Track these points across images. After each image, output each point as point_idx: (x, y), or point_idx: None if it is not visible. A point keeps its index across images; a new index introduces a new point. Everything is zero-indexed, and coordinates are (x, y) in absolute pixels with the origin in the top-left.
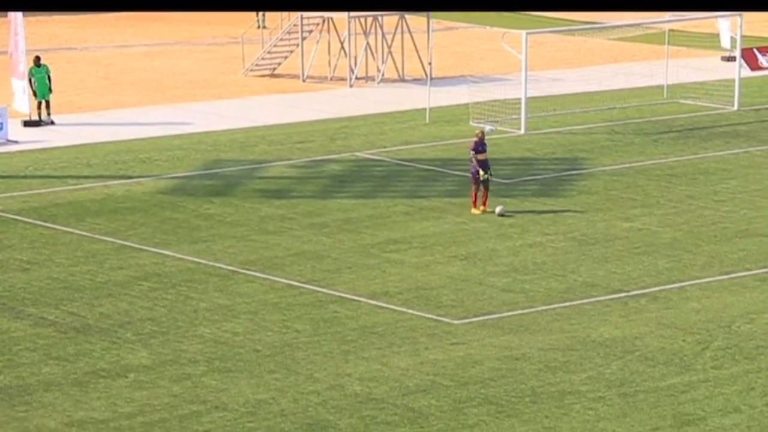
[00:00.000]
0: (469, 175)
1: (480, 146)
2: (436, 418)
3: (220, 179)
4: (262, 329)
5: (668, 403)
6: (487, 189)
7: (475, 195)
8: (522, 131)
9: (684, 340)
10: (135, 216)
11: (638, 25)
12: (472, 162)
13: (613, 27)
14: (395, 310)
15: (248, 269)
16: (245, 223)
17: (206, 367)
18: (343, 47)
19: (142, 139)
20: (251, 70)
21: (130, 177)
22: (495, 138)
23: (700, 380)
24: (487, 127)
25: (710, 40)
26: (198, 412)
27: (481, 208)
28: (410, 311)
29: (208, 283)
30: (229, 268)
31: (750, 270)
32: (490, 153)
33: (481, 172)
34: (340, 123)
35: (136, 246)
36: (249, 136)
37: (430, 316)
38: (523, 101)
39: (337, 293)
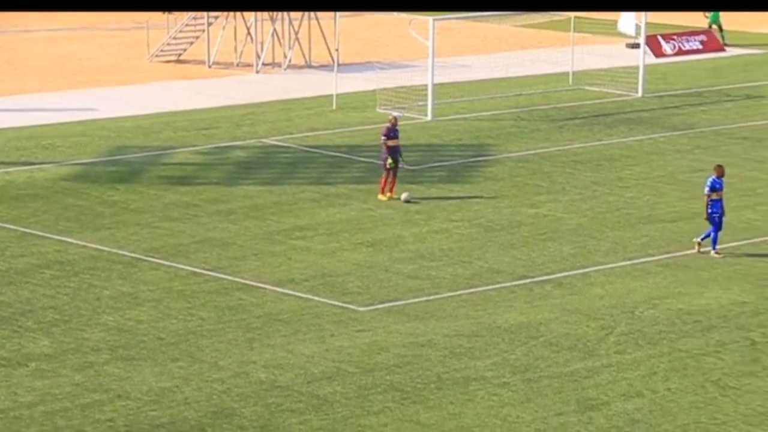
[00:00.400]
0: (380, 161)
1: (392, 132)
2: (342, 405)
3: (124, 166)
4: (166, 317)
5: (572, 389)
6: (394, 176)
7: (385, 181)
8: (429, 118)
9: (588, 326)
10: (37, 203)
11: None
12: (382, 148)
13: (519, 13)
14: (301, 297)
15: (152, 256)
16: (149, 210)
17: (109, 356)
18: (249, 33)
19: (45, 125)
20: (156, 56)
21: (32, 163)
22: (402, 124)
23: (603, 365)
24: (394, 114)
25: (615, 27)
26: (100, 401)
27: (388, 194)
28: (316, 298)
29: (112, 271)
30: (133, 255)
31: (653, 256)
32: (400, 140)
33: (389, 160)
34: (246, 109)
35: (39, 233)
36: (154, 122)
37: (335, 303)
38: (430, 88)
39: (243, 280)
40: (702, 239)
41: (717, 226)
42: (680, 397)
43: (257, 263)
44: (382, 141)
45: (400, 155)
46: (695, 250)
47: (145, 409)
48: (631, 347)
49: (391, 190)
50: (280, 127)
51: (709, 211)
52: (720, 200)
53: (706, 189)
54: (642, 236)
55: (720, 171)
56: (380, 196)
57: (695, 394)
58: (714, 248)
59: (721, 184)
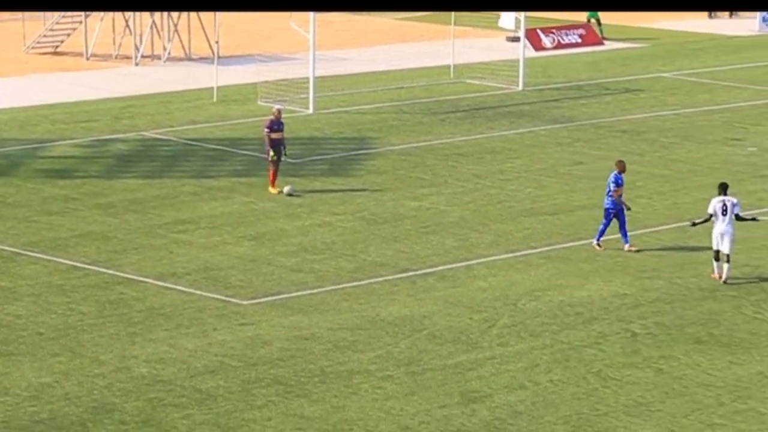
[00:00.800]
0: (264, 154)
1: (275, 125)
2: (225, 399)
3: (1, 159)
4: (45, 312)
5: (455, 381)
6: (276, 169)
7: (273, 174)
8: (311, 111)
9: (471, 318)
10: None
11: None
12: (266, 141)
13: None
14: (183, 291)
15: (31, 251)
16: (27, 204)
17: None
18: (128, 25)
19: None
20: (33, 48)
21: None
22: (283, 117)
23: (486, 358)
24: (275, 107)
25: (495, 21)
26: None
27: (277, 188)
28: (198, 292)
29: None
30: (12, 249)
31: (535, 248)
32: None
33: (271, 153)
34: (125, 102)
35: None
36: (31, 114)
37: (218, 296)
38: (311, 81)
39: (124, 275)
40: (625, 238)
41: (609, 220)
42: (562, 389)
43: (138, 257)
44: (265, 133)
45: (284, 148)
46: (599, 250)
47: (24, 405)
48: (514, 339)
49: (272, 183)
50: (160, 120)
51: (606, 206)
52: (620, 196)
53: (612, 185)
54: (524, 229)
55: (621, 166)
56: (271, 189)
57: (577, 385)
58: (597, 240)
59: (622, 180)
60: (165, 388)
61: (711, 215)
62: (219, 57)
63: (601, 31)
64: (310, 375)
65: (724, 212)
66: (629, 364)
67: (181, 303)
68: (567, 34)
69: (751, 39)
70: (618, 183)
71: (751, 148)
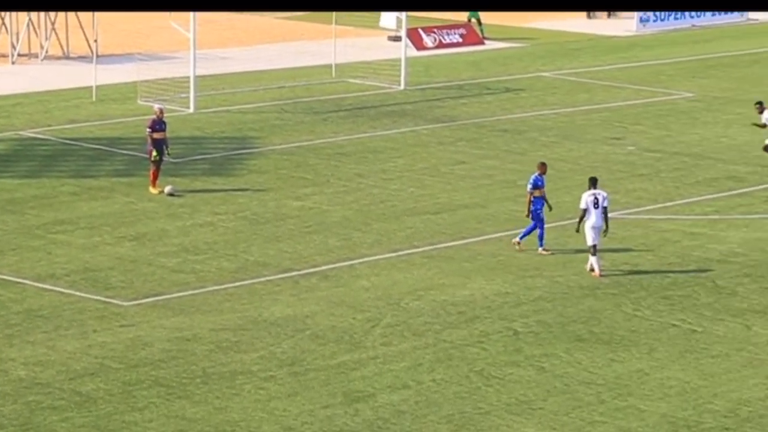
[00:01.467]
0: (145, 153)
1: (157, 125)
2: (105, 402)
3: None
4: None
5: (339, 381)
6: (158, 169)
7: (154, 174)
8: (191, 110)
9: (354, 318)
10: None
11: None
12: (148, 140)
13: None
14: (62, 293)
15: None
16: None
17: None
18: (3, 22)
19: None
20: None
21: None
22: (165, 117)
23: (369, 357)
24: (156, 106)
25: (376, 20)
26: None
27: (158, 188)
28: (78, 293)
29: None
30: None
31: (417, 247)
32: None
33: (154, 153)
34: (2, 101)
35: None
36: None
37: (98, 297)
38: (191, 79)
39: (1, 276)
40: (521, 238)
41: (541, 222)
42: (445, 388)
43: (16, 258)
44: (147, 133)
45: (166, 148)
46: (517, 249)
47: None
48: (397, 339)
49: (153, 183)
50: (38, 119)
51: (532, 208)
52: (542, 197)
53: (529, 186)
54: (406, 228)
55: (543, 168)
56: (152, 189)
57: (460, 384)
58: (541, 245)
59: (543, 181)
60: (44, 391)
61: (584, 210)
62: (98, 56)
63: (482, 31)
64: (192, 376)
65: (596, 205)
66: (511, 363)
67: (60, 304)
68: (448, 34)
69: (629, 39)
70: (537, 185)
71: (630, 148)
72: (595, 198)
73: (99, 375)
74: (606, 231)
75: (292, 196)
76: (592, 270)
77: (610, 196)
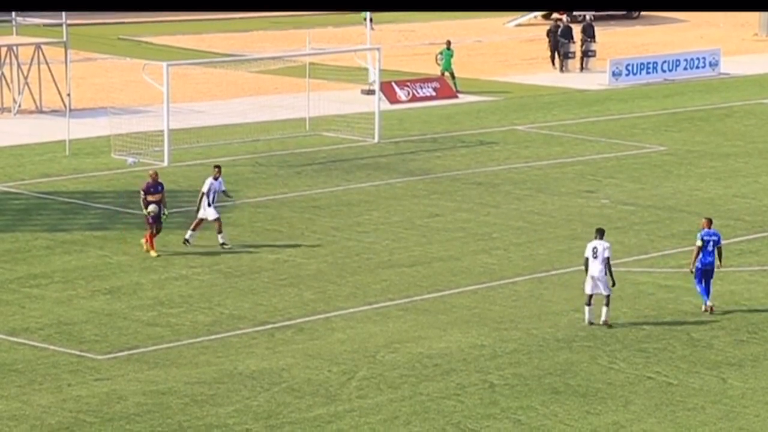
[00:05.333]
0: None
1: (152, 188)
2: None
3: None
4: None
5: None
6: (154, 231)
7: (150, 235)
8: (165, 163)
9: (330, 371)
10: None
11: (279, 57)
12: (142, 204)
13: (255, 60)
14: (36, 347)
15: None
16: None
17: None
18: None
19: None
20: None
21: None
22: (137, 170)
23: (345, 410)
24: (129, 160)
25: (350, 74)
26: None
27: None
28: (52, 347)
29: None
30: None
31: (393, 300)
32: (137, 186)
33: (148, 209)
34: None
35: None
36: None
37: (72, 351)
38: (165, 133)
39: None
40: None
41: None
42: None
43: None
44: (141, 197)
45: (164, 207)
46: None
47: None
48: (373, 392)
49: (152, 244)
50: (11, 173)
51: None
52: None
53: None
54: (382, 281)
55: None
56: (152, 253)
57: None
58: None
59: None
60: None
61: (586, 259)
62: (71, 110)
63: (455, 84)
64: (168, 430)
65: (595, 255)
66: (488, 415)
67: (34, 358)
68: (421, 87)
69: (602, 93)
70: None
71: (603, 200)
72: (595, 248)
73: (73, 429)
74: (613, 283)
75: (266, 249)
76: (591, 323)
77: (605, 249)
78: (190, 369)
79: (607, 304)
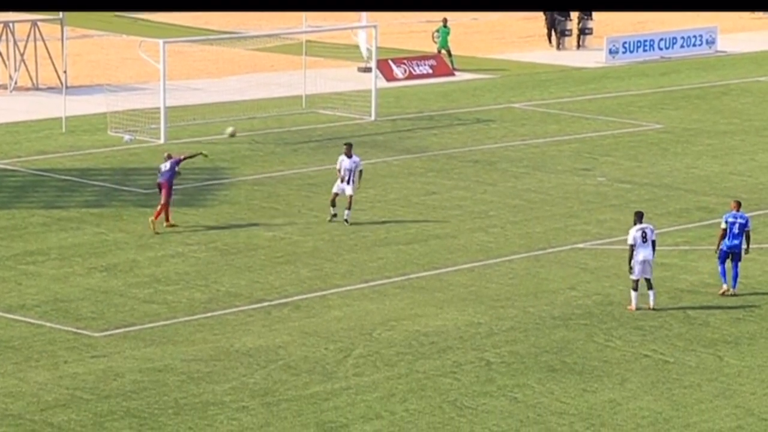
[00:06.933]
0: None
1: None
2: None
3: None
4: None
5: (311, 411)
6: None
7: (165, 207)
8: (162, 140)
9: (326, 348)
10: None
11: (276, 35)
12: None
13: (251, 37)
14: (32, 324)
15: None
16: None
17: None
18: None
19: None
20: None
21: None
22: (134, 147)
23: (342, 388)
24: (126, 137)
25: (346, 51)
26: None
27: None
28: (48, 324)
29: None
30: None
31: (389, 278)
32: (133, 163)
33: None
34: None
35: None
36: None
37: (69, 328)
38: (162, 110)
39: None
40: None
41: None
42: (418, 418)
43: None
44: (185, 158)
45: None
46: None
47: None
48: (370, 369)
49: (166, 218)
50: (8, 150)
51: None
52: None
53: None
54: (378, 258)
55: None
56: (164, 224)
57: (432, 414)
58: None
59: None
60: (14, 422)
61: (632, 245)
62: (67, 87)
63: (452, 62)
64: (164, 407)
65: (644, 239)
66: (484, 393)
67: (31, 335)
68: (418, 65)
69: (598, 70)
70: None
71: (600, 178)
72: (644, 232)
73: (70, 406)
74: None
75: (263, 226)
76: (636, 306)
77: (652, 231)
78: (187, 346)
79: (651, 288)
